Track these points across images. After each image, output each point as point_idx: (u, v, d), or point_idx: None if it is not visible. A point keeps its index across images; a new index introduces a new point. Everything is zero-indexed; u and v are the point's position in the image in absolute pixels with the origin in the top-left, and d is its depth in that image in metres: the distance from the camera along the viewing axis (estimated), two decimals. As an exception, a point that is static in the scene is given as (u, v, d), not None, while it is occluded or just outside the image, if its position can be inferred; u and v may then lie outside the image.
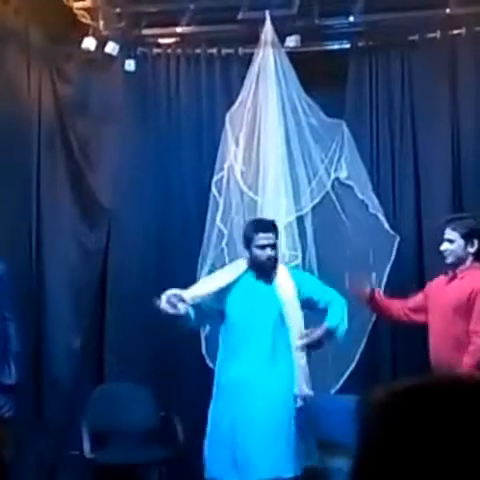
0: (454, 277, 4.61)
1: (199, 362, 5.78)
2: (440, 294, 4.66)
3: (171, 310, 4.88)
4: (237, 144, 6.03)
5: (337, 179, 6.01)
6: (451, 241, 4.60)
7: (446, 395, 1.20)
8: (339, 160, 6.02)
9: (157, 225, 6.39)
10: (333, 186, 6.00)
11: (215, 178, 6.06)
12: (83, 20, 6.15)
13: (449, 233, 4.62)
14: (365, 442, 1.23)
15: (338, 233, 5.95)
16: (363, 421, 1.25)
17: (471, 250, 4.57)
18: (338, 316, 4.92)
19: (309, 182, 6.01)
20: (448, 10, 5.86)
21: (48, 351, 6.17)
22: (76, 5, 6.08)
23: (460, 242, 4.55)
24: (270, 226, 5.08)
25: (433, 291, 4.77)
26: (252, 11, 6.03)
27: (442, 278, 4.81)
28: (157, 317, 6.13)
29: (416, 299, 4.91)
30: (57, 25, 6.10)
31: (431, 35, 6.04)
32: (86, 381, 6.18)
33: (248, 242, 5.04)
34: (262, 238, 4.97)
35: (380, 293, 5.04)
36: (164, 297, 4.92)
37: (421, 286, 5.94)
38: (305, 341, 4.89)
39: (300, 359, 4.92)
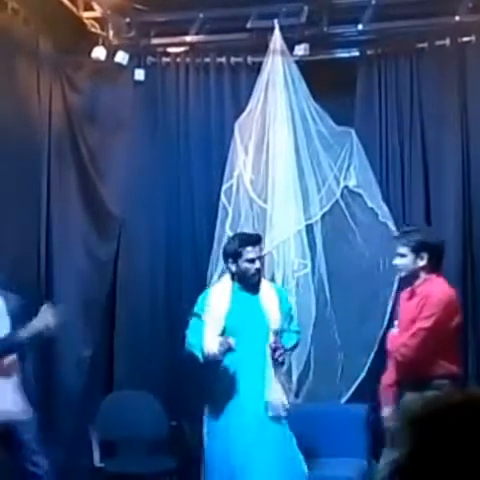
0: (413, 293, 4.64)
1: (209, 371, 5.75)
2: (403, 310, 4.69)
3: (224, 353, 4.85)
4: (246, 153, 6.03)
5: (346, 187, 6.00)
6: (402, 255, 4.65)
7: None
8: (348, 168, 6.01)
9: (167, 234, 6.39)
10: (342, 194, 5.99)
11: (224, 186, 6.06)
12: (93, 30, 6.21)
13: (400, 248, 4.69)
14: (401, 455, 1.25)
15: (347, 241, 5.94)
16: (400, 433, 1.27)
17: (421, 263, 4.59)
18: (290, 345, 5.04)
19: (318, 190, 6.00)
20: (457, 17, 5.85)
21: (58, 361, 6.17)
22: (86, 15, 6.13)
23: (410, 256, 4.60)
24: (257, 239, 5.12)
25: (400, 306, 4.82)
26: (261, 20, 6.04)
27: (403, 294, 4.83)
28: (167, 326, 6.17)
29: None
30: (67, 35, 6.13)
31: (440, 42, 6.02)
32: (96, 390, 6.18)
33: (236, 256, 5.02)
34: (250, 252, 4.98)
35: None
36: (220, 348, 4.81)
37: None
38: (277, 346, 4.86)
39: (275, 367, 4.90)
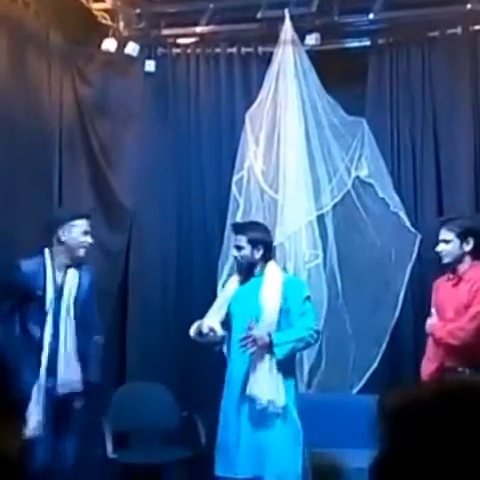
0: (460, 280, 4.62)
1: (221, 362, 5.76)
2: (449, 296, 4.67)
3: (206, 340, 4.86)
4: (257, 143, 6.02)
5: (358, 177, 5.98)
6: (447, 241, 4.65)
7: (461, 403, 1.21)
8: (360, 158, 5.99)
9: (178, 225, 6.39)
10: (354, 184, 5.97)
11: (235, 177, 6.06)
12: (103, 21, 6.20)
13: (445, 233, 4.69)
14: (385, 444, 1.25)
15: (359, 232, 5.92)
16: (383, 424, 1.27)
17: (467, 249, 4.61)
18: (286, 339, 4.66)
19: (330, 181, 5.98)
20: (469, 6, 5.81)
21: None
22: (96, 6, 6.12)
23: (456, 242, 4.60)
24: (237, 227, 5.07)
25: (441, 294, 4.77)
26: (271, 10, 6.02)
27: (444, 280, 4.79)
28: (178, 316, 6.17)
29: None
30: (77, 27, 6.13)
31: (452, 31, 5.98)
32: (108, 381, 6.19)
33: None
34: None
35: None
36: (193, 331, 4.88)
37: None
38: (244, 335, 4.61)
39: (259, 361, 4.66)
